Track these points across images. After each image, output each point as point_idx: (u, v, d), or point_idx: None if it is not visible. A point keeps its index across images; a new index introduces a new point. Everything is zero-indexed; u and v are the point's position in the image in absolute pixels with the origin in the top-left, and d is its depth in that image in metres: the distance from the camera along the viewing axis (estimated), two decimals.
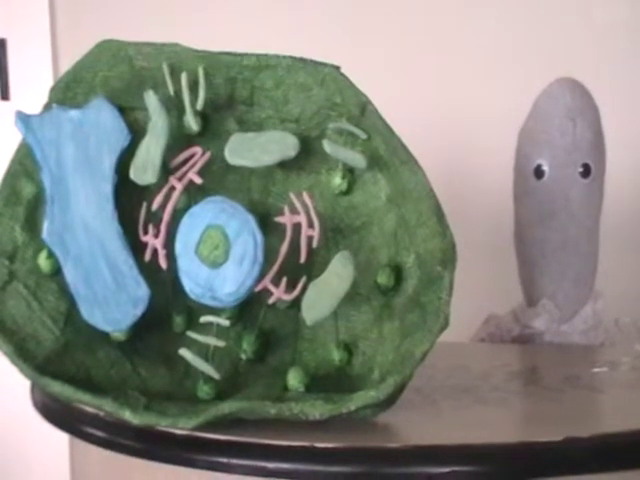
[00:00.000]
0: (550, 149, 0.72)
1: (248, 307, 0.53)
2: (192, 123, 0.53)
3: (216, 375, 0.51)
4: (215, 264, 0.50)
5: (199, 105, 0.52)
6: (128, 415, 0.49)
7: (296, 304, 0.52)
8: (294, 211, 0.52)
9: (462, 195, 0.92)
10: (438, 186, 0.52)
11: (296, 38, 0.89)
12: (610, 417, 0.54)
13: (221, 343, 0.51)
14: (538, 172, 0.73)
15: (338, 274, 0.50)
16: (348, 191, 0.53)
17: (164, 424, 0.49)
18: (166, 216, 0.52)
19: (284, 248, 0.51)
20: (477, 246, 0.89)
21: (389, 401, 0.49)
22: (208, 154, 0.53)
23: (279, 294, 0.51)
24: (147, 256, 0.53)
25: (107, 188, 0.52)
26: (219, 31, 0.94)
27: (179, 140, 0.53)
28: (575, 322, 0.71)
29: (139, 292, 0.52)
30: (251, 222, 0.51)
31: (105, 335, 0.53)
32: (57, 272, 0.53)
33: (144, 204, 0.53)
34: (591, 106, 0.73)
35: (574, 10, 0.92)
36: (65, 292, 0.53)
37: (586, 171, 0.72)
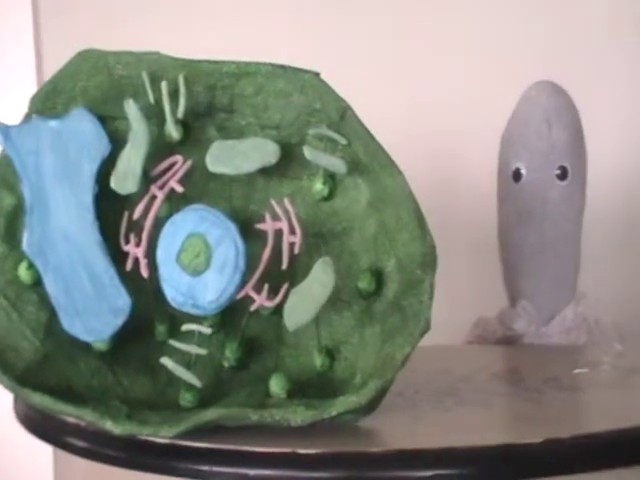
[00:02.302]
0: (527, 152, 0.73)
1: (230, 314, 0.53)
2: (173, 131, 0.53)
3: (198, 383, 0.51)
4: (196, 272, 0.50)
5: (180, 113, 0.52)
6: (109, 425, 0.49)
7: (278, 310, 0.52)
8: (276, 218, 0.52)
9: (450, 198, 0.93)
10: (423, 189, 0.52)
11: (279, 44, 0.89)
12: (591, 417, 0.55)
13: (203, 351, 0.51)
14: (516, 175, 0.73)
15: (319, 280, 0.50)
16: (329, 197, 0.53)
17: (146, 433, 0.49)
18: (147, 225, 0.52)
19: (266, 255, 0.51)
20: (464, 249, 0.89)
21: (371, 406, 0.49)
22: (189, 162, 0.53)
23: (261, 301, 0.51)
24: (128, 265, 0.53)
25: (87, 198, 0.52)
26: (199, 38, 0.94)
27: (160, 149, 0.53)
28: (554, 324, 0.72)
29: (120, 302, 0.52)
30: (232, 230, 0.51)
31: (86, 345, 0.53)
32: (37, 283, 0.53)
33: (125, 213, 0.53)
34: (569, 108, 0.73)
35: (555, 13, 0.93)
36: (45, 303, 0.52)
37: (563, 173, 0.72)
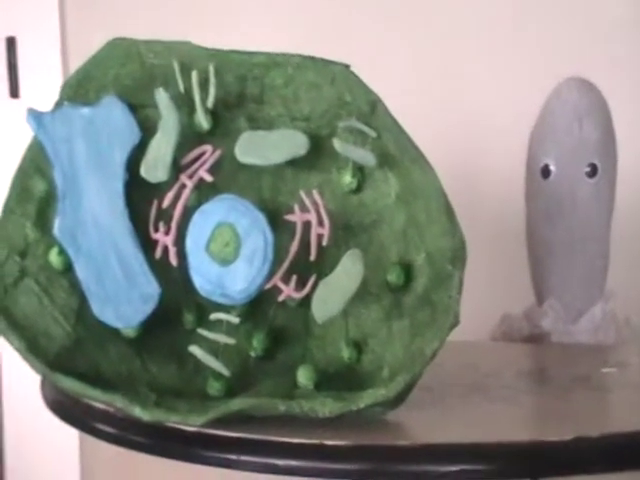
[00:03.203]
0: (557, 149, 0.72)
1: (258, 305, 0.53)
2: (203, 121, 0.53)
3: (226, 372, 0.51)
4: (225, 261, 0.51)
5: (210, 103, 0.52)
6: (138, 411, 0.49)
7: (306, 302, 0.52)
8: (304, 209, 0.52)
9: (478, 195, 0.92)
10: (451, 184, 0.52)
11: (308, 37, 0.89)
12: (620, 417, 0.54)
13: (231, 340, 0.52)
14: (545, 172, 0.73)
15: (348, 272, 0.50)
16: (358, 189, 0.53)
17: (174, 420, 0.49)
18: (177, 214, 0.52)
19: (294, 246, 0.51)
20: (491, 245, 0.89)
21: (399, 399, 0.49)
22: (218, 152, 0.53)
23: (289, 292, 0.51)
24: (158, 253, 0.53)
25: (118, 185, 0.53)
26: (229, 29, 0.94)
27: (190, 138, 0.53)
28: (582, 322, 0.71)
29: (149, 289, 0.52)
30: (261, 220, 0.51)
31: (116, 331, 0.53)
32: (68, 268, 0.53)
33: (155, 202, 0.53)
34: (600, 105, 0.73)
35: (585, 9, 0.92)
36: (76, 288, 0.53)
37: (593, 171, 0.72)
